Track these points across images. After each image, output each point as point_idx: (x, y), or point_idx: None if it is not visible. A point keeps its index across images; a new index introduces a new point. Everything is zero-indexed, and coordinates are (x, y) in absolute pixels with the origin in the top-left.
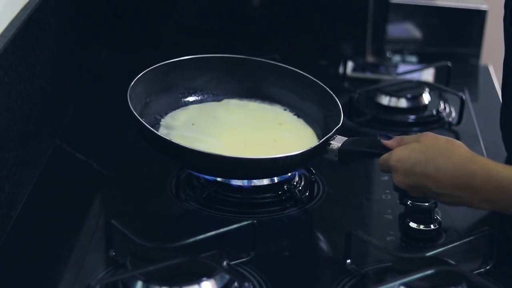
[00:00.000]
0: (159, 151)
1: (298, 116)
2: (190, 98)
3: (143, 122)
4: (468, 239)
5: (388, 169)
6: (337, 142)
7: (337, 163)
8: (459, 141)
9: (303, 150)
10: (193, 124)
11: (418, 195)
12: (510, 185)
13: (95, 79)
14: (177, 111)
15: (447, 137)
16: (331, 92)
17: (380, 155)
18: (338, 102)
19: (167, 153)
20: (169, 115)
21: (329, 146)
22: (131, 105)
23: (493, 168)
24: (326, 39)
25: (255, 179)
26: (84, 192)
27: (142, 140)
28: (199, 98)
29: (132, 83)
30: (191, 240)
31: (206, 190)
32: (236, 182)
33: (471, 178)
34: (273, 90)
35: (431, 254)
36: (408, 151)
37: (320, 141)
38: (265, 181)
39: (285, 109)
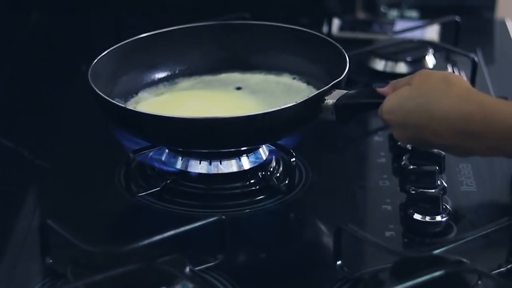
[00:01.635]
0: (118, 124)
1: (308, 84)
2: (182, 78)
3: (98, 92)
4: (484, 232)
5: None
6: (332, 98)
7: (336, 123)
8: (457, 76)
9: (287, 105)
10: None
11: (426, 149)
12: None
13: (24, 48)
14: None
15: (442, 73)
16: (339, 46)
17: (379, 104)
18: (346, 54)
19: (125, 124)
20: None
21: (324, 103)
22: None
23: (493, 107)
24: None
25: (230, 148)
26: (14, 187)
27: (103, 114)
28: (192, 76)
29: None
30: (146, 242)
31: (162, 181)
32: (199, 169)
33: (468, 122)
34: (280, 58)
35: (440, 252)
36: (398, 99)
37: (311, 95)
38: (234, 168)
39: (294, 78)
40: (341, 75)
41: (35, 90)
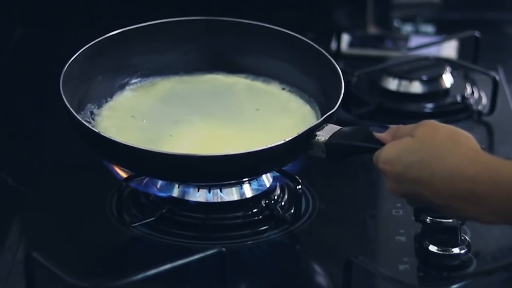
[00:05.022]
0: (93, 147)
1: (300, 97)
2: (162, 78)
3: (73, 112)
4: (505, 265)
5: None
6: (325, 134)
7: (325, 161)
8: (465, 134)
9: (274, 144)
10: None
11: (420, 206)
12: None
13: (7, 65)
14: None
15: (450, 129)
16: (337, 66)
17: (375, 150)
18: (341, 77)
19: (100, 149)
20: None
21: (315, 138)
22: (63, 92)
23: (500, 167)
24: (314, 5)
25: (212, 182)
26: None
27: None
28: (172, 76)
29: (67, 66)
30: (140, 276)
31: (158, 210)
32: (197, 197)
33: (472, 183)
34: (270, 63)
35: (458, 287)
36: (398, 150)
37: (300, 132)
38: (235, 196)
39: (283, 88)
40: (334, 107)
41: (18, 110)
